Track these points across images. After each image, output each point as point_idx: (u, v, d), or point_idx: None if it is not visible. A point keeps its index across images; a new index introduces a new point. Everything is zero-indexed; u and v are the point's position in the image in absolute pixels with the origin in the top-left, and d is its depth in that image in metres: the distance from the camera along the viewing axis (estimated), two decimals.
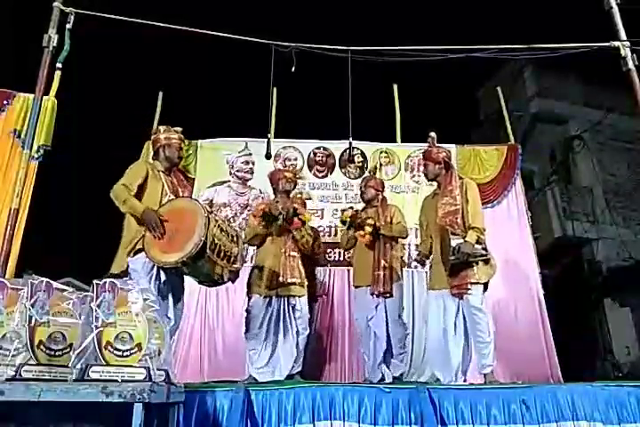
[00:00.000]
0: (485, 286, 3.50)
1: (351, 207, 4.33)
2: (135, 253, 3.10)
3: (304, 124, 6.95)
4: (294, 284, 3.82)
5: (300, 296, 3.87)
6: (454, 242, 3.35)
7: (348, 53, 4.80)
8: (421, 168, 4.51)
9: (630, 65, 4.44)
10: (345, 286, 5.13)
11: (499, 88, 6.39)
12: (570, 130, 10.52)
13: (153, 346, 1.86)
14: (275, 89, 5.32)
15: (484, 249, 3.46)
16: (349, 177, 5.74)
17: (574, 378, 4.39)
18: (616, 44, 4.53)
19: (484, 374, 3.41)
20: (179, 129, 3.52)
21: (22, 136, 4.15)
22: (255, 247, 4.14)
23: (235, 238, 3.13)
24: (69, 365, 1.81)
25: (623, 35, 4.56)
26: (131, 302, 1.91)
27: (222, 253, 2.98)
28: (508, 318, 5.11)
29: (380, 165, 5.75)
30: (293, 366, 3.80)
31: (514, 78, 10.83)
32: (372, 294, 3.95)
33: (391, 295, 3.95)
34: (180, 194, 3.36)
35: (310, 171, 5.74)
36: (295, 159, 5.76)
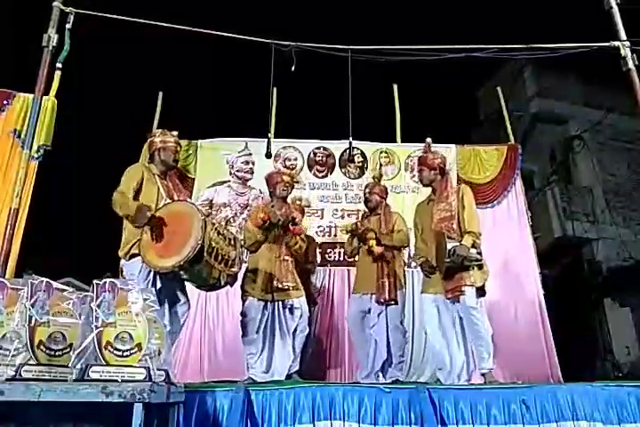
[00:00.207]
0: (482, 290, 3.50)
1: (353, 223, 4.32)
2: (131, 258, 3.07)
3: (304, 124, 6.96)
4: (289, 288, 3.82)
5: (298, 297, 3.86)
6: (450, 245, 3.35)
7: (349, 53, 4.80)
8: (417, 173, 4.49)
9: (630, 65, 4.44)
10: (345, 286, 5.13)
11: (499, 88, 6.39)
12: (570, 130, 10.52)
13: (153, 346, 1.86)
14: (275, 89, 5.32)
15: (479, 254, 3.46)
16: (349, 177, 5.75)
17: (574, 378, 4.39)
18: (616, 44, 4.53)
19: (484, 374, 3.41)
20: (175, 133, 3.50)
21: (22, 136, 4.14)
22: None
23: (232, 242, 3.09)
24: (69, 365, 1.81)
25: (623, 35, 4.56)
26: (131, 302, 1.91)
27: (220, 257, 2.95)
28: (508, 318, 5.11)
29: (380, 165, 5.76)
30: (291, 366, 3.80)
31: (514, 78, 10.83)
32: (377, 302, 3.95)
33: (396, 303, 3.96)
34: (176, 198, 3.31)
35: (310, 171, 5.74)
36: (295, 159, 5.76)
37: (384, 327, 3.94)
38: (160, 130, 3.57)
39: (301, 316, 3.84)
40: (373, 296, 3.98)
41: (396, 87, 6.02)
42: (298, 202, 4.32)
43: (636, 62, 4.45)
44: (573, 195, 9.96)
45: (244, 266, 4.43)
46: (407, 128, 5.91)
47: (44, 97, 4.14)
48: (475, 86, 12.62)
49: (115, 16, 4.40)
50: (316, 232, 5.37)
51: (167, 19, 4.58)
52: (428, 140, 3.88)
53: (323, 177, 5.75)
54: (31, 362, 1.84)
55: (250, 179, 5.62)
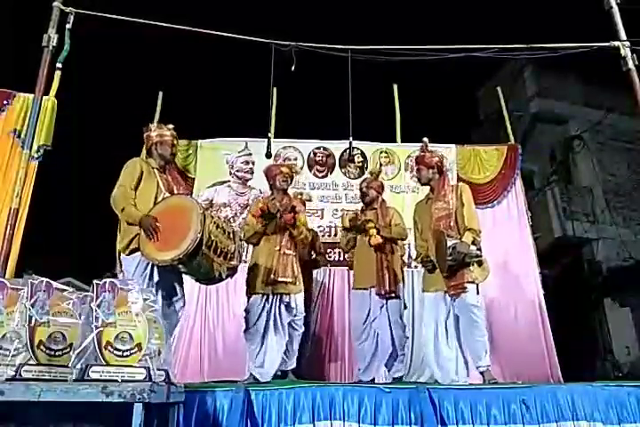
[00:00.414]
0: (477, 289, 3.50)
1: (353, 213, 4.33)
2: (130, 253, 3.08)
3: (304, 124, 6.96)
4: (287, 282, 3.81)
5: (294, 293, 3.86)
6: (450, 242, 3.36)
7: (349, 53, 4.80)
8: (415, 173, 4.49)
9: (630, 65, 4.44)
10: (345, 287, 5.13)
11: (499, 88, 6.39)
12: (570, 130, 10.52)
13: (153, 346, 1.86)
14: (275, 89, 5.32)
15: (479, 250, 3.47)
16: (349, 177, 5.75)
17: (574, 378, 4.39)
18: (616, 44, 4.53)
19: (482, 373, 3.41)
20: (170, 126, 3.50)
21: (22, 136, 4.15)
22: (252, 246, 4.14)
23: (231, 235, 3.10)
24: (69, 365, 1.81)
25: (623, 35, 4.56)
26: (131, 302, 1.91)
27: (219, 250, 2.95)
28: (508, 318, 5.11)
29: (380, 165, 5.76)
30: (286, 363, 3.80)
31: (514, 78, 10.83)
32: (377, 295, 3.95)
33: (397, 296, 3.97)
34: (175, 191, 3.34)
35: (310, 171, 5.74)
36: (295, 159, 5.76)
37: (386, 321, 3.94)
38: (156, 124, 3.57)
39: (296, 314, 3.83)
40: (373, 290, 3.99)
41: (395, 87, 6.02)
42: (299, 196, 4.32)
43: (636, 62, 4.45)
44: (573, 195, 9.96)
45: (247, 261, 4.45)
46: (407, 128, 5.91)
47: (44, 97, 4.14)
48: (475, 86, 12.63)
49: (115, 16, 4.40)
50: (313, 229, 5.36)
51: (167, 19, 4.58)
52: (425, 139, 3.90)
53: (323, 177, 5.75)
54: (31, 362, 1.84)
55: (250, 179, 5.62)
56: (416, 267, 5.18)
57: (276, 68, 4.81)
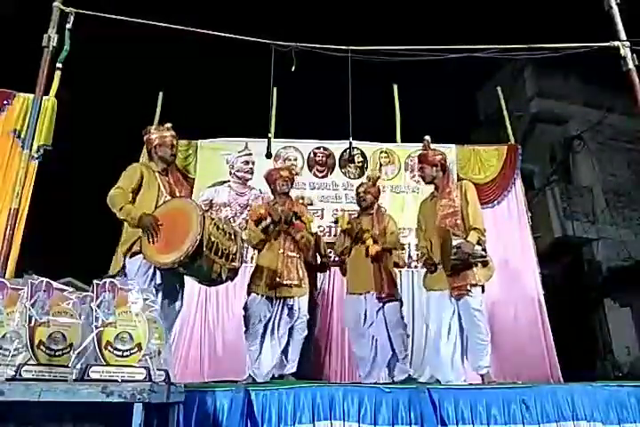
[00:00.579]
0: (482, 288, 3.50)
1: (349, 214, 4.32)
2: (132, 255, 3.09)
3: (304, 124, 6.96)
4: (292, 285, 3.81)
5: (299, 296, 3.86)
6: (455, 242, 3.35)
7: (348, 53, 4.80)
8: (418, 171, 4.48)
9: (630, 65, 4.44)
10: (344, 287, 5.11)
11: (499, 88, 6.39)
12: (570, 130, 10.52)
13: (153, 346, 1.86)
14: (275, 89, 5.32)
15: (484, 250, 3.47)
16: (349, 177, 5.74)
17: (574, 378, 4.38)
18: (616, 44, 4.53)
19: (482, 375, 3.41)
20: (168, 125, 3.47)
21: (22, 136, 4.15)
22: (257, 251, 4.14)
23: (232, 236, 3.10)
24: (69, 365, 1.81)
25: (623, 35, 4.56)
26: (131, 302, 1.91)
27: (220, 252, 2.96)
28: (508, 318, 5.11)
29: (380, 165, 5.76)
30: (287, 366, 3.80)
31: (514, 78, 10.83)
32: (378, 299, 3.95)
33: (395, 299, 3.98)
34: (177, 194, 3.33)
35: (310, 171, 5.74)
36: (295, 159, 5.76)
37: (383, 325, 3.94)
38: (154, 126, 3.55)
39: (299, 316, 3.83)
40: (368, 295, 3.99)
41: (395, 87, 6.03)
42: (300, 200, 4.32)
43: (636, 62, 4.45)
44: (573, 195, 9.96)
45: (249, 263, 4.46)
46: (407, 128, 5.91)
47: (44, 97, 4.14)
48: (475, 86, 12.63)
49: (115, 16, 4.40)
50: (316, 232, 5.36)
51: (167, 19, 4.58)
52: (427, 137, 3.88)
53: (323, 177, 5.75)
54: (31, 362, 1.84)
55: (250, 179, 5.62)
56: (416, 267, 5.19)
57: (276, 68, 4.81)
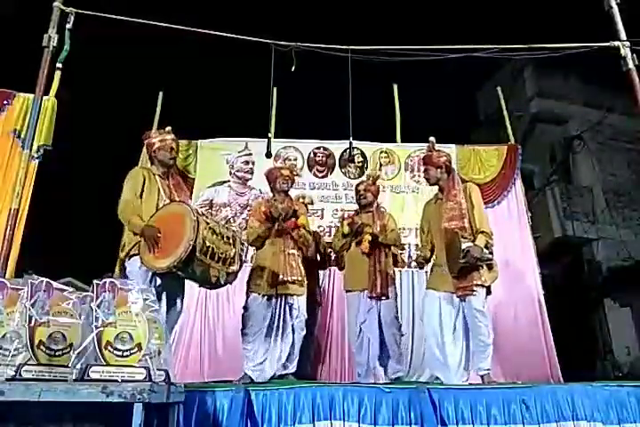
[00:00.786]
0: (488, 290, 3.50)
1: (349, 217, 4.32)
2: (130, 257, 3.13)
3: (304, 124, 6.96)
4: (293, 282, 3.80)
5: (298, 295, 3.85)
6: (464, 245, 3.32)
7: (348, 53, 4.81)
8: (422, 169, 4.44)
9: (630, 65, 4.44)
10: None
11: (499, 88, 6.39)
12: (570, 130, 10.52)
13: (153, 346, 1.86)
14: (275, 89, 5.32)
15: (491, 253, 3.46)
16: (349, 177, 5.74)
17: (574, 378, 4.38)
18: (616, 44, 4.53)
19: (482, 376, 3.40)
20: (168, 128, 3.48)
21: (22, 136, 4.15)
22: (255, 249, 4.14)
23: (230, 240, 3.08)
24: (69, 365, 1.81)
25: (623, 35, 4.56)
26: (131, 302, 1.91)
27: (216, 256, 2.95)
28: (508, 317, 5.11)
29: (380, 165, 5.76)
30: (287, 366, 3.79)
31: (514, 78, 10.83)
32: (370, 298, 3.95)
33: (387, 298, 3.97)
34: (176, 198, 3.31)
35: (310, 171, 5.75)
36: (295, 159, 5.76)
37: (375, 324, 3.94)
38: (153, 130, 3.56)
39: (298, 315, 3.83)
40: (364, 293, 3.99)
41: (395, 87, 6.03)
42: (301, 199, 4.32)
43: (636, 62, 4.45)
44: (573, 195, 9.96)
45: (249, 262, 4.45)
46: (407, 128, 5.92)
47: (44, 97, 4.14)
48: (474, 86, 12.63)
49: (115, 16, 4.40)
50: (316, 231, 5.36)
51: (167, 19, 4.58)
52: (432, 138, 3.87)
53: (323, 177, 5.75)
54: (31, 362, 1.84)
55: (250, 179, 5.62)
56: (416, 267, 5.18)
57: (276, 68, 4.81)
